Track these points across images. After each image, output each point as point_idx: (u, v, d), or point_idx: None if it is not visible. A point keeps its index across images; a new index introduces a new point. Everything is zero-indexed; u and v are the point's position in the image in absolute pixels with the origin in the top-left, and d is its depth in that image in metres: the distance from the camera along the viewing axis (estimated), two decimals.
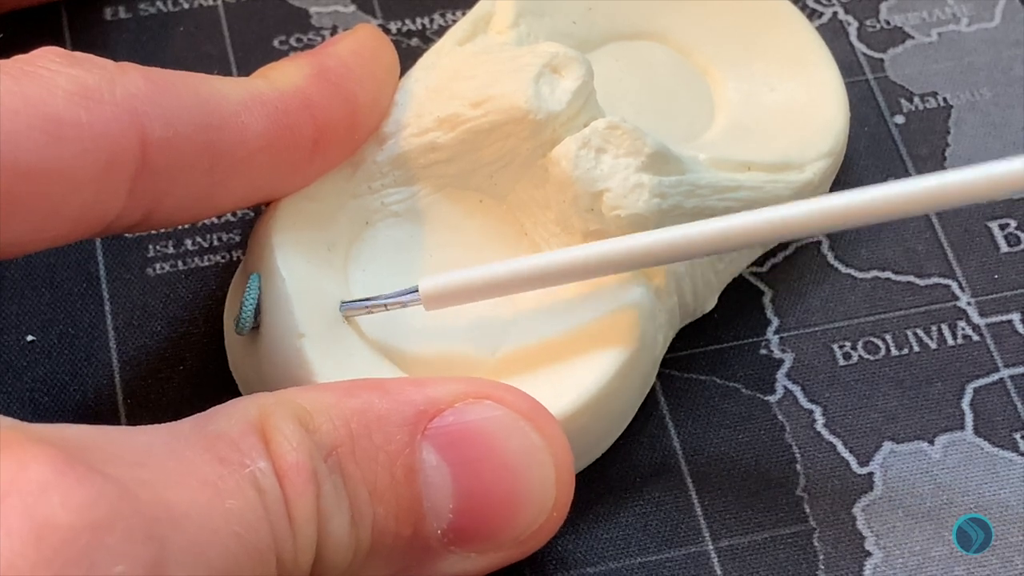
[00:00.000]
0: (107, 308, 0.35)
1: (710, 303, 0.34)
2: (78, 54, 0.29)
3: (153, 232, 0.36)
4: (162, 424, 0.27)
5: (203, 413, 0.27)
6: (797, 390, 0.34)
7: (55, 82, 0.28)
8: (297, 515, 0.26)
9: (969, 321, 0.35)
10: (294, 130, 0.31)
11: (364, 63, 0.33)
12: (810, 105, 0.36)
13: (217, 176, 0.30)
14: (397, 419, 0.28)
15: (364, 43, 0.33)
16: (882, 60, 0.39)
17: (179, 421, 0.27)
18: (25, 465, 0.23)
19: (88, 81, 0.28)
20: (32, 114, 0.28)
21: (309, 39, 0.39)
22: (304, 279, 0.31)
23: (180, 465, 0.25)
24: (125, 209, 0.29)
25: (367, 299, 0.32)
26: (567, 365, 0.31)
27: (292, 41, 0.39)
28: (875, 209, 0.29)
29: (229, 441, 0.26)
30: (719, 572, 0.32)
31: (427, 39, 0.39)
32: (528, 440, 0.29)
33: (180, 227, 0.36)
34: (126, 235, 0.36)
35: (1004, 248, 0.36)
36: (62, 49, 0.29)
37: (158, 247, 0.36)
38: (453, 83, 0.33)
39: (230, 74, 0.39)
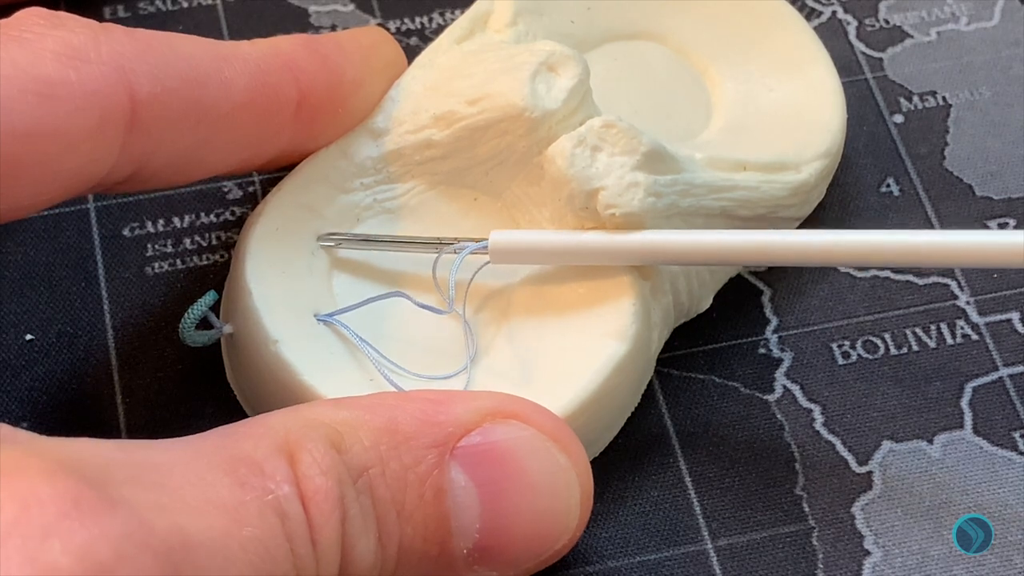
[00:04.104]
0: (106, 307, 0.35)
1: (705, 303, 0.34)
2: (61, 14, 0.30)
3: (152, 231, 0.36)
4: (185, 439, 0.27)
5: (228, 428, 0.27)
6: (796, 389, 0.34)
7: (42, 45, 0.29)
8: (321, 540, 0.26)
9: (968, 320, 0.35)
10: (276, 89, 0.31)
11: (358, 47, 0.33)
12: (807, 106, 0.36)
13: (203, 132, 0.30)
14: (426, 440, 0.28)
15: (365, 34, 0.34)
16: (881, 59, 0.39)
17: (203, 435, 0.27)
18: (28, 504, 0.23)
19: (74, 41, 0.29)
20: (23, 78, 0.28)
21: None
22: (277, 289, 0.32)
23: (199, 490, 0.25)
24: (115, 165, 0.30)
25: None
26: (562, 365, 0.31)
27: None
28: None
29: (253, 464, 0.26)
30: (718, 571, 0.32)
31: (426, 38, 0.39)
32: (554, 461, 0.29)
33: (178, 226, 0.36)
34: (124, 234, 0.36)
35: None
36: (44, 9, 0.30)
37: (156, 246, 0.36)
38: (450, 81, 0.33)
39: None
